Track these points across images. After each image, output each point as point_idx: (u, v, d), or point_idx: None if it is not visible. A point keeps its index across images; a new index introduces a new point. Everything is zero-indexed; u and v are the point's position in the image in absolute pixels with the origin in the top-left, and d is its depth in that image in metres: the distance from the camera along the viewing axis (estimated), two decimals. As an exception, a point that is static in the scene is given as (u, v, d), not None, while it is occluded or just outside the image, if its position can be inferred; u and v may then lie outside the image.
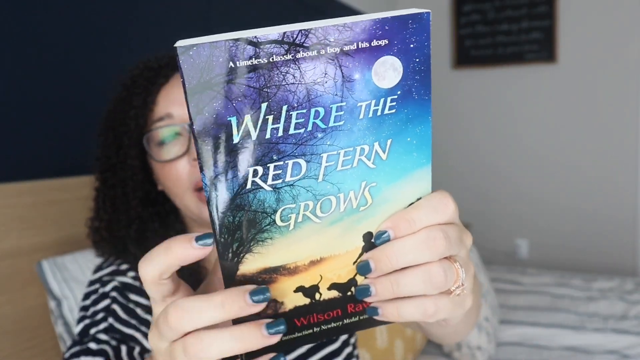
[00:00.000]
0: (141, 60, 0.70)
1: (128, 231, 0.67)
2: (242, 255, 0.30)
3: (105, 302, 0.64)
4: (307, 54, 0.26)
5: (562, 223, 3.01)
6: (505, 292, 2.10)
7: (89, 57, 1.20)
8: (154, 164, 0.65)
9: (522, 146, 3.07)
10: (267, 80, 0.25)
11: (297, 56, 0.25)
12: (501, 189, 3.14)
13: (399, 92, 0.28)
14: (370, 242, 0.31)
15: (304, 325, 0.33)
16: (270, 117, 0.26)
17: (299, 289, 0.32)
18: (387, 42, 0.26)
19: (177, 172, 0.62)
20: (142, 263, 0.30)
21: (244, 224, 0.29)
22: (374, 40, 0.26)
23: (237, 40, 0.24)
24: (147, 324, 0.64)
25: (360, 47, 0.26)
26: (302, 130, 0.27)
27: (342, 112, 0.27)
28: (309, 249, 0.31)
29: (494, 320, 1.63)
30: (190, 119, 0.26)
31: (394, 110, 0.28)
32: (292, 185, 0.29)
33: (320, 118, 0.27)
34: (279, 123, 0.27)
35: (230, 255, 0.30)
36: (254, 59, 0.25)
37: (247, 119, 0.26)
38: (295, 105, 0.26)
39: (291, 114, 0.27)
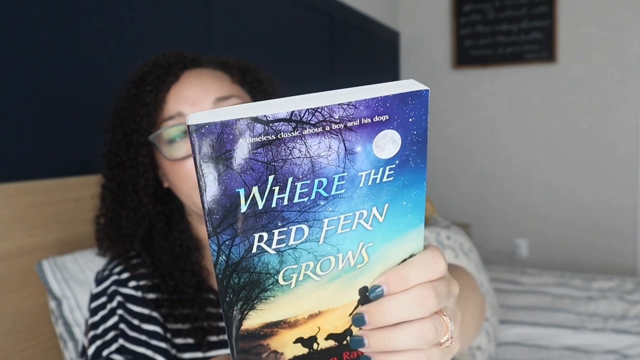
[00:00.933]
0: (150, 58, 0.70)
1: (137, 229, 0.67)
2: (245, 312, 0.31)
3: (114, 319, 0.64)
4: (313, 130, 0.27)
5: (561, 223, 3.01)
6: (505, 292, 2.10)
7: (90, 57, 1.20)
8: (163, 161, 0.66)
9: (522, 146, 3.07)
10: (275, 154, 0.27)
11: (303, 132, 0.27)
12: (501, 189, 3.14)
13: (397, 162, 0.30)
14: (366, 295, 0.33)
15: None
16: (277, 188, 0.28)
17: (298, 340, 0.34)
18: (387, 117, 0.28)
19: (187, 170, 0.63)
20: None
21: (248, 285, 0.30)
22: (376, 116, 0.28)
23: (247, 119, 0.26)
24: (155, 335, 0.64)
25: (362, 122, 0.28)
26: (305, 199, 0.29)
27: (343, 182, 0.29)
28: (308, 304, 0.32)
29: (494, 320, 1.63)
30: (201, 189, 0.27)
31: (391, 178, 0.30)
32: (294, 248, 0.31)
33: (323, 187, 0.29)
34: (284, 193, 0.28)
35: (234, 312, 0.31)
36: (262, 136, 0.26)
37: (255, 190, 0.28)
38: (300, 176, 0.28)
39: (296, 185, 0.28)
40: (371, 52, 2.90)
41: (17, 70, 1.04)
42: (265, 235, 0.29)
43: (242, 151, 0.26)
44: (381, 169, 0.30)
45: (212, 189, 0.27)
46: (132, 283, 0.67)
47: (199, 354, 0.66)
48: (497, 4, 3.01)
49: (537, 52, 2.95)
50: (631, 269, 2.87)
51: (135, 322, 0.64)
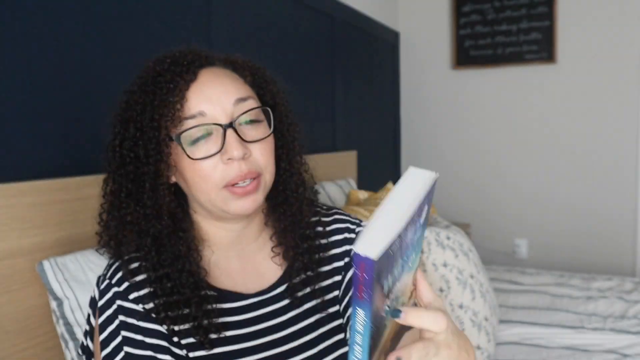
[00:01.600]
0: (162, 54, 0.71)
1: (152, 226, 0.67)
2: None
3: (118, 339, 0.65)
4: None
5: (561, 223, 3.01)
6: (505, 292, 2.10)
7: (90, 57, 1.20)
8: (182, 159, 0.66)
9: (522, 146, 3.07)
10: (399, 251, 0.43)
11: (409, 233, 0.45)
12: (501, 189, 3.14)
13: (423, 225, 0.49)
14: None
15: None
16: (395, 271, 0.44)
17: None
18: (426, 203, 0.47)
19: (209, 169, 0.65)
20: None
21: (377, 336, 0.45)
22: (425, 206, 0.47)
23: (396, 240, 0.40)
24: (159, 349, 0.65)
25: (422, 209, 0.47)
26: (402, 270, 0.46)
27: (410, 252, 0.48)
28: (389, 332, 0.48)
29: (493, 319, 1.64)
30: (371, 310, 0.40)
31: (419, 236, 0.50)
32: (394, 299, 0.47)
33: (407, 257, 0.47)
34: (397, 272, 0.45)
35: (372, 354, 0.45)
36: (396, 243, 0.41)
37: (390, 279, 0.44)
38: (404, 256, 0.46)
39: (402, 262, 0.46)
40: (371, 52, 2.90)
41: (17, 71, 1.04)
42: (389, 301, 0.45)
43: (391, 264, 0.42)
44: (418, 233, 0.47)
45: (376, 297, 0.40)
46: (133, 295, 0.67)
47: (204, 352, 0.66)
48: (497, 5, 3.01)
49: (537, 52, 2.95)
50: (630, 269, 2.87)
51: (139, 337, 0.65)
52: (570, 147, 2.96)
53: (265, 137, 0.69)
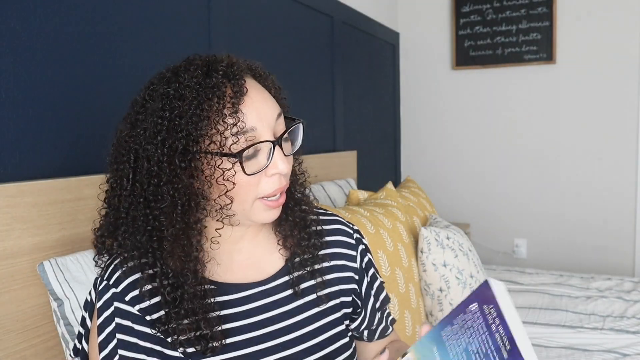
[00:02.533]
0: (197, 59, 0.68)
1: (169, 226, 0.65)
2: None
3: (114, 342, 0.66)
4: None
5: (560, 223, 3.01)
6: (504, 292, 2.10)
7: (90, 57, 1.20)
8: (231, 173, 0.64)
9: (521, 146, 3.08)
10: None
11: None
12: (500, 189, 3.14)
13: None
14: None
15: None
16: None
17: None
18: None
19: (254, 182, 0.66)
20: None
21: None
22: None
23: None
24: (151, 352, 0.66)
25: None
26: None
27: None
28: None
29: (493, 319, 1.64)
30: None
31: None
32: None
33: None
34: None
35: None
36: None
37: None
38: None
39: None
40: (371, 52, 2.90)
41: (18, 71, 1.04)
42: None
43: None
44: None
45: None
46: (129, 296, 0.67)
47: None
48: (497, 5, 3.01)
49: (536, 52, 2.96)
50: (630, 269, 2.87)
51: (133, 340, 0.66)
52: (570, 147, 2.97)
53: (295, 152, 0.73)
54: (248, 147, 0.64)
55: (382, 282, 0.86)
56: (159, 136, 0.63)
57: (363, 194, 1.88)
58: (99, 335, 0.67)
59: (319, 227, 0.79)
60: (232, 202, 0.66)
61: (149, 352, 0.66)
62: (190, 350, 0.67)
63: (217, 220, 0.70)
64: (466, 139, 3.21)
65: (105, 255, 0.72)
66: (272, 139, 0.67)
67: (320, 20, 2.31)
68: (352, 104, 2.64)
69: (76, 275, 1.00)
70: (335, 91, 2.44)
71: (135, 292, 0.68)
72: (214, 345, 0.66)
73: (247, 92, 0.66)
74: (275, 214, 0.70)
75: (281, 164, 0.67)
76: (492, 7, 3.02)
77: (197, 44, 1.55)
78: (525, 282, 2.22)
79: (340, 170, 2.31)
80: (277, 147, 0.67)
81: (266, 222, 0.70)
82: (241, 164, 0.64)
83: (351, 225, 0.85)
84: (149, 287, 0.67)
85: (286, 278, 0.76)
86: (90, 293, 0.72)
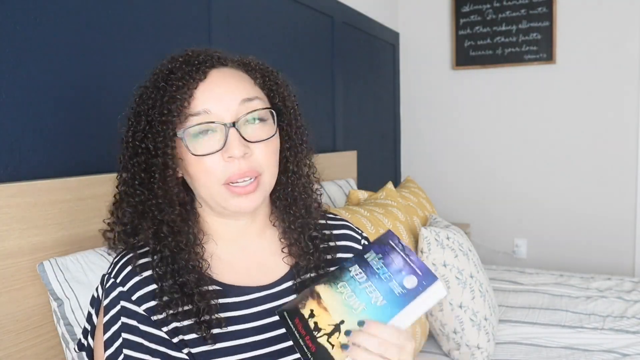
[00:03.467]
0: (177, 53, 0.73)
1: (170, 214, 0.69)
2: (323, 282, 0.67)
3: (120, 340, 0.67)
4: (402, 254, 0.65)
5: (560, 223, 3.01)
6: (504, 292, 2.10)
7: (91, 57, 1.21)
8: (186, 155, 0.68)
9: (522, 146, 3.08)
10: (388, 251, 0.66)
11: (400, 252, 0.66)
12: (500, 189, 3.14)
13: (405, 292, 0.61)
14: (339, 324, 0.62)
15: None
16: (377, 259, 0.66)
17: (310, 310, 0.63)
18: (421, 274, 0.62)
19: (211, 165, 0.67)
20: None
21: (336, 275, 0.66)
22: (419, 270, 0.62)
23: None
24: (156, 353, 0.66)
25: (414, 267, 0.63)
26: (377, 270, 0.64)
27: (388, 277, 0.63)
28: (330, 303, 0.63)
29: (493, 319, 1.64)
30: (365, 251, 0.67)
31: (398, 295, 0.61)
32: (355, 280, 0.64)
33: (382, 272, 0.64)
34: (377, 262, 0.65)
35: (323, 278, 0.67)
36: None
37: (373, 254, 0.67)
38: (385, 263, 0.64)
39: (381, 263, 0.65)
40: (371, 52, 2.90)
41: (18, 71, 1.04)
42: (357, 268, 0.65)
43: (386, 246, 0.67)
44: (400, 287, 0.62)
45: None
46: (136, 295, 0.68)
47: (206, 347, 0.67)
48: (497, 5, 3.01)
49: (536, 52, 2.96)
50: (629, 269, 2.88)
51: (139, 340, 0.66)
52: (570, 147, 2.97)
53: (268, 138, 0.70)
54: (191, 127, 0.67)
55: None
56: (135, 122, 0.70)
57: (363, 194, 1.88)
58: (104, 333, 0.67)
59: (326, 232, 0.79)
60: (196, 183, 0.69)
61: (153, 352, 0.66)
62: (192, 347, 0.67)
63: (211, 215, 0.73)
64: (466, 139, 3.21)
65: (118, 247, 0.73)
66: (228, 122, 0.67)
67: (320, 20, 2.31)
68: (352, 104, 2.64)
69: (76, 275, 1.00)
70: (335, 91, 2.44)
71: (142, 292, 0.68)
72: (214, 332, 0.67)
73: (204, 78, 0.69)
74: (245, 202, 0.69)
75: (233, 147, 0.66)
76: (492, 7, 3.02)
77: (197, 44, 1.55)
78: (525, 282, 2.22)
79: (340, 170, 2.31)
80: (232, 130, 0.67)
81: (240, 211, 0.70)
82: (184, 142, 0.67)
83: (360, 231, 0.86)
84: (155, 286, 0.68)
85: (290, 283, 0.75)
86: (97, 289, 0.73)
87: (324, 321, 0.62)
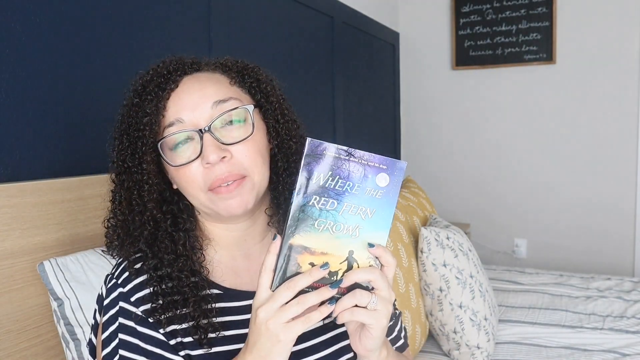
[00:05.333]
0: (151, 65, 0.71)
1: (142, 231, 0.69)
2: (295, 233, 0.58)
3: (116, 341, 0.67)
4: (355, 160, 0.58)
5: (560, 223, 3.01)
6: (504, 292, 2.11)
7: (91, 57, 1.21)
8: (168, 167, 0.68)
9: (521, 146, 3.08)
10: (337, 165, 0.58)
11: (351, 159, 0.58)
12: (500, 189, 3.14)
13: (384, 190, 0.59)
14: (350, 255, 0.59)
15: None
16: (331, 178, 0.58)
17: (310, 263, 0.58)
18: (386, 167, 0.59)
19: (191, 174, 0.66)
20: (296, 282, 0.57)
21: (301, 219, 0.58)
22: (382, 165, 0.59)
23: (335, 147, 0.58)
24: (151, 355, 0.66)
25: (376, 166, 0.59)
26: (341, 189, 0.58)
27: (359, 188, 0.58)
28: (323, 245, 0.59)
29: (493, 319, 1.64)
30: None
31: (380, 197, 0.59)
32: (327, 211, 0.58)
33: (350, 187, 0.58)
34: (333, 182, 0.58)
35: (291, 230, 0.58)
36: (338, 155, 0.58)
37: (321, 175, 0.58)
38: (343, 177, 0.58)
39: (340, 180, 0.58)
40: (371, 52, 2.90)
41: (18, 71, 1.04)
42: (318, 198, 0.58)
43: (327, 160, 0.58)
44: (377, 191, 0.59)
45: (306, 168, 0.57)
46: (135, 297, 0.68)
47: (203, 351, 0.67)
48: (497, 5, 3.01)
49: (536, 52, 2.96)
50: (629, 269, 2.88)
51: (135, 341, 0.66)
52: (570, 147, 2.97)
53: (245, 138, 0.67)
54: (164, 138, 0.66)
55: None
56: (118, 141, 0.70)
57: (363, 194, 1.88)
58: (103, 332, 0.68)
59: None
60: (185, 193, 0.69)
61: (149, 354, 0.66)
62: (190, 350, 0.67)
63: (210, 221, 0.73)
64: (466, 139, 3.21)
65: (115, 250, 0.73)
66: (203, 127, 0.66)
67: (320, 20, 2.31)
68: (352, 104, 2.64)
69: (76, 275, 1.00)
70: (335, 91, 2.44)
71: (141, 294, 0.68)
72: (210, 336, 0.66)
73: (176, 87, 0.68)
74: (234, 203, 0.67)
75: (208, 152, 0.64)
76: (492, 7, 3.02)
77: (197, 44, 1.55)
78: (525, 282, 2.22)
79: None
80: (206, 135, 0.65)
81: (231, 212, 0.67)
82: (162, 154, 0.67)
83: None
84: (152, 289, 0.68)
85: None
86: (102, 287, 0.73)
87: (333, 264, 0.58)
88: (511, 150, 3.10)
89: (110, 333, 0.67)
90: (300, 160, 0.57)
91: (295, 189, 0.57)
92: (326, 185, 0.57)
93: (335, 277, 0.58)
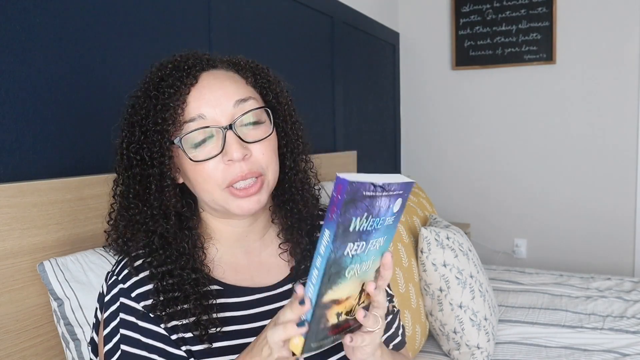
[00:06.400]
0: (167, 58, 0.72)
1: (159, 226, 0.69)
2: (327, 290, 0.52)
3: (118, 336, 0.67)
4: (387, 194, 0.52)
5: (560, 223, 3.01)
6: (504, 292, 2.11)
7: (91, 57, 1.21)
8: (185, 161, 0.68)
9: (521, 146, 3.08)
10: (372, 204, 0.50)
11: (383, 195, 0.51)
12: (500, 189, 3.14)
13: (396, 215, 0.55)
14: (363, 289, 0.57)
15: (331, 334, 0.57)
16: (365, 220, 0.51)
17: (337, 314, 0.55)
18: (402, 192, 0.54)
19: (211, 170, 0.66)
20: (271, 332, 0.55)
21: (333, 273, 0.51)
22: (400, 191, 0.53)
23: (368, 183, 0.49)
24: (153, 349, 0.66)
25: (397, 193, 0.53)
26: (372, 228, 0.52)
27: (383, 221, 0.54)
28: (347, 291, 0.54)
29: (493, 319, 1.64)
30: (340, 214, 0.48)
31: (392, 222, 0.55)
32: (357, 255, 0.52)
33: (377, 223, 0.53)
34: (367, 222, 0.51)
35: (324, 288, 0.51)
36: (371, 192, 0.50)
37: (358, 220, 0.50)
38: (374, 215, 0.52)
39: (371, 219, 0.52)
40: (371, 52, 2.90)
41: (19, 71, 1.04)
42: (352, 245, 0.51)
43: (364, 201, 0.49)
44: (392, 217, 0.55)
45: (344, 216, 0.49)
46: (136, 292, 0.68)
47: (204, 346, 0.67)
48: (497, 5, 3.01)
49: (536, 52, 2.96)
50: (629, 269, 2.88)
51: (136, 336, 0.66)
52: (570, 147, 2.97)
53: (266, 137, 0.69)
54: (187, 133, 0.66)
55: (391, 296, 0.86)
56: (129, 133, 0.69)
57: (363, 194, 1.88)
58: (104, 328, 0.68)
59: (321, 222, 0.78)
60: (198, 188, 0.69)
61: (150, 348, 0.66)
62: (191, 345, 0.67)
63: (214, 217, 0.73)
64: (466, 139, 3.21)
65: (115, 247, 0.73)
66: (224, 124, 0.66)
67: (320, 20, 2.31)
68: (352, 104, 2.64)
69: (76, 275, 1.00)
70: (335, 91, 2.44)
71: (142, 289, 0.68)
72: (211, 332, 0.67)
73: (196, 83, 0.68)
74: (250, 204, 0.68)
75: (232, 150, 0.65)
76: (492, 7, 3.02)
77: (197, 44, 1.55)
78: (525, 282, 2.22)
79: (340, 170, 2.31)
80: (229, 133, 0.66)
81: (244, 213, 0.68)
82: (183, 149, 0.67)
83: None
84: (154, 285, 0.68)
85: (290, 286, 0.75)
86: (102, 285, 0.73)
87: (352, 304, 0.57)
88: (511, 150, 3.10)
89: (112, 329, 0.67)
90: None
91: (323, 242, 0.49)
92: (361, 229, 0.51)
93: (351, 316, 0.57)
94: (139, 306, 0.67)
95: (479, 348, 1.54)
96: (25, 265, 0.99)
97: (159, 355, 0.66)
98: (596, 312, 1.87)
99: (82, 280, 1.01)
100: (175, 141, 0.67)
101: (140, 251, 0.71)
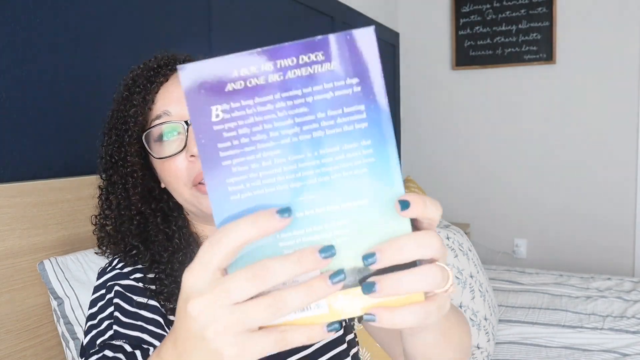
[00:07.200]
0: (144, 60, 0.72)
1: (130, 227, 0.68)
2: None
3: (110, 309, 0.65)
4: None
5: (560, 223, 3.01)
6: (504, 292, 2.10)
7: (90, 57, 1.21)
8: (154, 161, 0.67)
9: (521, 146, 3.08)
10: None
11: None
12: (500, 189, 3.14)
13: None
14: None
15: None
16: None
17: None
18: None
19: (176, 168, 0.64)
20: (227, 231, 0.32)
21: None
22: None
23: None
24: (154, 322, 0.65)
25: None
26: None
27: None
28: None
29: (493, 319, 1.64)
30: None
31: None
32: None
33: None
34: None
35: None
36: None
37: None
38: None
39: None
40: (371, 52, 2.90)
41: (18, 71, 1.04)
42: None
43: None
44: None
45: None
46: (135, 275, 0.68)
47: None
48: (497, 5, 3.01)
49: (536, 52, 2.96)
50: (629, 269, 2.88)
51: (132, 309, 0.65)
52: (570, 147, 2.97)
53: None
54: (150, 129, 0.65)
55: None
56: (107, 137, 0.69)
57: (363, 194, 1.88)
58: (90, 308, 0.67)
59: None
60: (169, 189, 0.67)
61: (149, 320, 0.65)
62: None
63: (198, 223, 0.72)
64: (466, 139, 3.21)
65: (106, 247, 0.72)
66: (188, 120, 0.65)
67: (320, 20, 2.31)
68: (352, 104, 2.64)
69: (76, 275, 1.00)
70: (335, 91, 2.44)
71: (139, 275, 0.68)
72: None
73: (165, 81, 0.67)
74: None
75: (192, 145, 0.63)
76: (492, 7, 3.02)
77: (197, 44, 1.55)
78: (525, 282, 2.22)
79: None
80: (190, 128, 0.64)
81: None
82: (147, 146, 0.66)
83: None
84: (150, 276, 0.68)
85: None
86: (96, 280, 0.73)
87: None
88: (511, 150, 3.10)
89: (99, 307, 0.66)
90: None
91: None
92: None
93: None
94: (138, 284, 0.67)
95: (478, 348, 1.54)
96: (25, 265, 0.99)
97: (155, 326, 0.65)
98: (596, 312, 1.87)
99: (82, 279, 1.01)
100: (143, 139, 0.66)
101: (134, 251, 0.70)
